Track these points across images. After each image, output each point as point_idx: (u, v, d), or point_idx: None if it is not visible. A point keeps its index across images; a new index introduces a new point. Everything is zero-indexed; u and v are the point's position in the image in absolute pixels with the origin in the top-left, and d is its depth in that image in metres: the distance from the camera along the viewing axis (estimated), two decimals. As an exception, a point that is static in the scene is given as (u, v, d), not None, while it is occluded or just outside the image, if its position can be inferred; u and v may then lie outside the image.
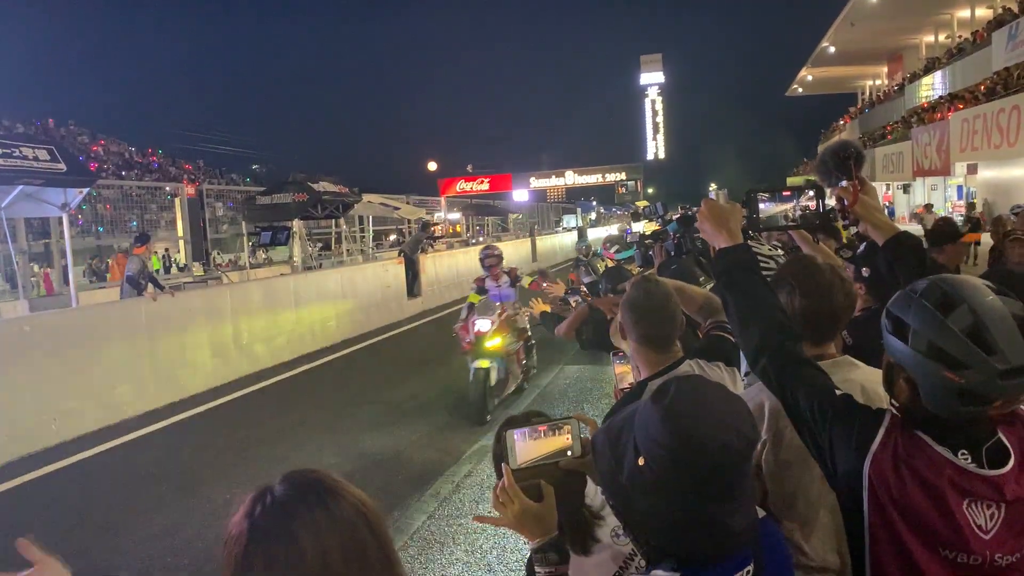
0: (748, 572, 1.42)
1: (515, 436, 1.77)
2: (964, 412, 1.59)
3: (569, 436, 1.77)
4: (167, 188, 21.18)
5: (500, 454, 1.82)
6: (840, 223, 2.23)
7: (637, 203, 39.90)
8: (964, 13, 37.28)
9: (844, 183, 2.23)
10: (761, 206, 2.20)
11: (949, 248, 5.87)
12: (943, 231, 6.02)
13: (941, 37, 41.06)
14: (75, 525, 6.40)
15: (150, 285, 11.80)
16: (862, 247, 3.63)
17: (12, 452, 8.20)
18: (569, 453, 1.76)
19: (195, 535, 5.95)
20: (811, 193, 2.20)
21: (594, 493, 2.23)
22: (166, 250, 13.33)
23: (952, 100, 31.04)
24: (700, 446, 1.35)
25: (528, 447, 1.77)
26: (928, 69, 39.17)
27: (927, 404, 1.63)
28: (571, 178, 53.71)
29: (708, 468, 1.35)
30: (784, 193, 2.22)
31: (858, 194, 2.19)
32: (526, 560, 2.46)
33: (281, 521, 1.17)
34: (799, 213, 2.21)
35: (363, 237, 24.59)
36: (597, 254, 12.76)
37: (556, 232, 47.34)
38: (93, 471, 7.93)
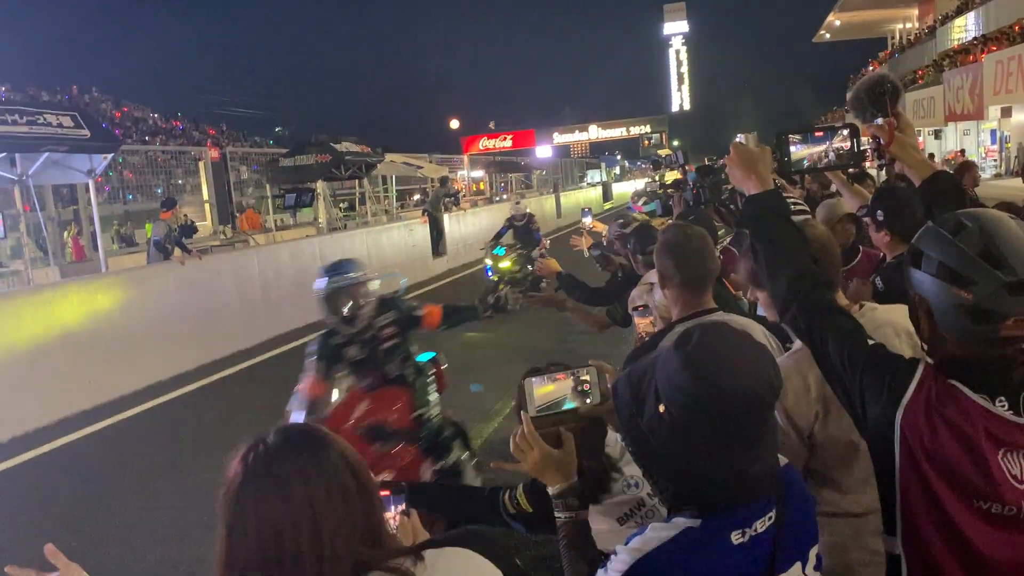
0: (770, 518, 1.42)
1: (533, 383, 1.75)
2: (977, 332, 1.56)
3: (588, 383, 1.75)
4: (191, 152, 21.26)
5: (521, 403, 1.81)
6: (875, 163, 2.16)
7: (660, 151, 39.35)
8: (998, -50, 36.11)
9: (879, 120, 2.15)
10: (792, 148, 2.13)
11: None
12: None
13: (974, -24, 39.87)
14: (111, 486, 6.54)
15: (178, 249, 11.90)
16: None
17: (46, 417, 8.35)
18: (588, 400, 1.75)
19: (229, 494, 6.04)
20: (845, 133, 2.11)
21: (613, 443, 2.23)
22: (185, 215, 13.33)
23: (985, 42, 30.20)
24: (721, 393, 1.34)
25: (546, 394, 1.75)
26: (961, 10, 38.09)
27: (943, 331, 1.61)
28: (595, 132, 53.12)
29: (728, 415, 1.34)
30: (816, 134, 2.14)
31: (894, 132, 2.11)
32: (510, 496, 2.47)
33: (272, 467, 1.27)
34: (832, 155, 2.13)
35: (387, 197, 24.56)
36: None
37: (580, 187, 47.01)
38: (127, 434, 8.08)
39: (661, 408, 1.39)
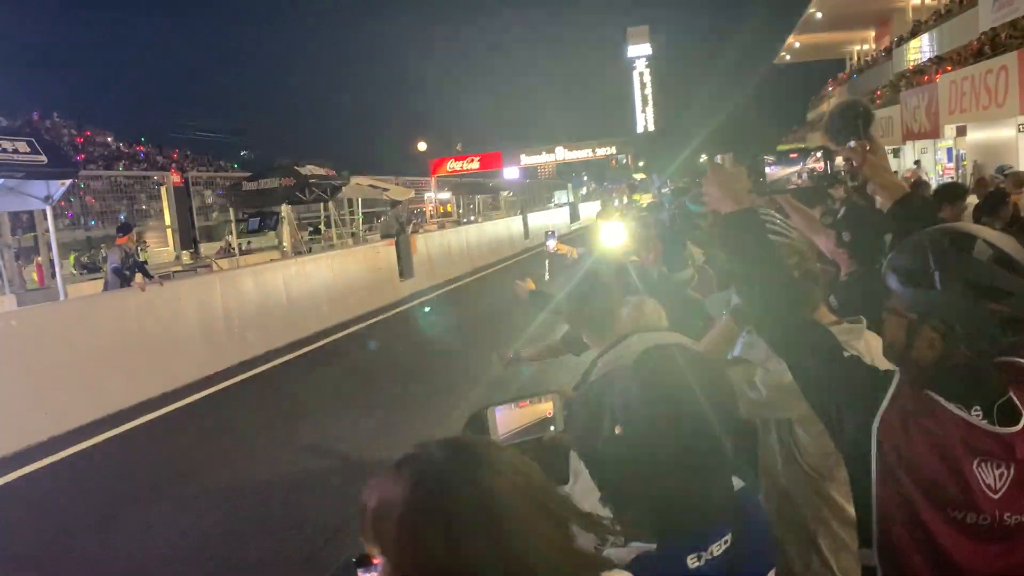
0: (726, 542, 1.40)
1: (496, 412, 1.71)
2: (1005, 342, 1.57)
3: (551, 410, 1.71)
4: (154, 177, 21.02)
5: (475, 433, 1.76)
6: (848, 184, 2.19)
7: (635, 175, 39.64)
8: (950, -26, 37.06)
9: (852, 143, 2.18)
10: (768, 169, 2.13)
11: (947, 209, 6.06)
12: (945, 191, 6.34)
13: (928, -1, 40.88)
14: (69, 519, 6.34)
15: (139, 275, 11.70)
16: (841, 211, 3.60)
17: (3, 448, 8.11)
18: (552, 428, 1.70)
19: (191, 524, 5.90)
20: (818, 155, 2.12)
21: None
22: (144, 241, 13.02)
23: (940, 62, 30.93)
24: (677, 419, 1.34)
25: (509, 423, 1.70)
26: (915, 32, 39.00)
27: (968, 347, 1.58)
28: (561, 153, 53.12)
29: (684, 441, 1.34)
30: (791, 156, 2.14)
31: (867, 155, 2.13)
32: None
33: (480, 492, 1.06)
34: (806, 175, 2.13)
35: (353, 220, 24.44)
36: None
37: (548, 208, 47.21)
38: (87, 464, 7.86)
39: (617, 430, 1.38)
